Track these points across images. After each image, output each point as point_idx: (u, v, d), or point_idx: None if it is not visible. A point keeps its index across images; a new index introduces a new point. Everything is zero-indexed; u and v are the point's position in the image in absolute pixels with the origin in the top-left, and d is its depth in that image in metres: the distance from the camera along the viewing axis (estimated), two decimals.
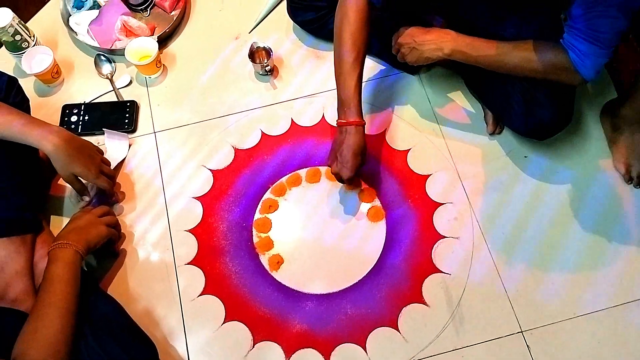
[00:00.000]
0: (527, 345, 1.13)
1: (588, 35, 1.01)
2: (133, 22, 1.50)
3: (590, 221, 1.25)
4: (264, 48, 1.44)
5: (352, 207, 1.29)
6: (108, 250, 1.24)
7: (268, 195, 1.31)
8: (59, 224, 1.29)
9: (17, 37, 1.41)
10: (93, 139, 1.39)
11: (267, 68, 1.42)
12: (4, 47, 1.45)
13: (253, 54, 1.44)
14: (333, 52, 1.18)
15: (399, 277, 1.21)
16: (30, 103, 1.29)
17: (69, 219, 1.17)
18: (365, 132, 1.17)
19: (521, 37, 1.13)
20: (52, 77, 1.44)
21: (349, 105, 1.15)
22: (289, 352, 1.15)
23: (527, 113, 1.20)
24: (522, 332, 1.14)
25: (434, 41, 1.16)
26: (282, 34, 1.53)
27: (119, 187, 1.34)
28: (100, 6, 1.55)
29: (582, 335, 1.14)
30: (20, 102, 1.21)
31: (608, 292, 1.17)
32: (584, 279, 1.19)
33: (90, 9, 1.55)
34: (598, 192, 1.28)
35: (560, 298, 1.17)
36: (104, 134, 1.37)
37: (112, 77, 1.47)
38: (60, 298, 0.98)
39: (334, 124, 1.38)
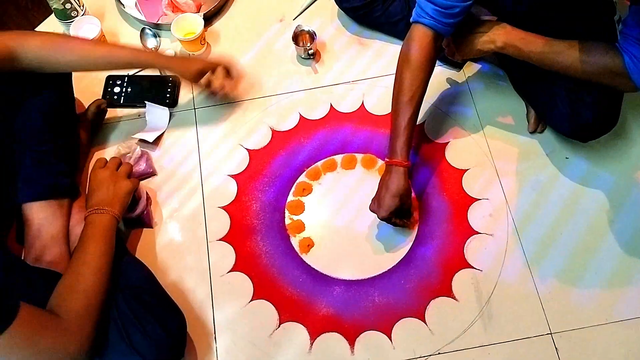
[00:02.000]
0: (556, 348, 1.11)
1: None
2: None
3: (629, 228, 1.22)
4: (308, 32, 1.44)
5: None
6: (143, 224, 1.26)
7: (302, 178, 1.32)
8: None
9: (67, 6, 1.43)
10: (134, 111, 1.41)
11: (310, 52, 1.42)
12: (53, 14, 1.47)
13: (297, 37, 1.44)
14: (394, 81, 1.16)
15: (429, 270, 1.20)
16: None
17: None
18: None
19: (570, 36, 1.10)
20: None
21: (395, 144, 1.13)
22: (314, 334, 1.15)
23: (573, 113, 1.18)
24: (551, 334, 1.13)
25: (486, 33, 1.14)
26: (326, 19, 1.53)
27: (158, 160, 1.35)
28: None
29: (613, 342, 1.12)
30: None
31: None
32: (618, 286, 1.17)
33: None
34: (638, 199, 1.25)
35: (592, 303, 1.15)
36: (145, 106, 1.38)
37: (156, 51, 1.49)
38: (95, 257, 1.00)
39: (373, 111, 1.38)
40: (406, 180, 1.13)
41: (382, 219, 1.15)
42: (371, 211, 1.17)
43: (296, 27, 1.44)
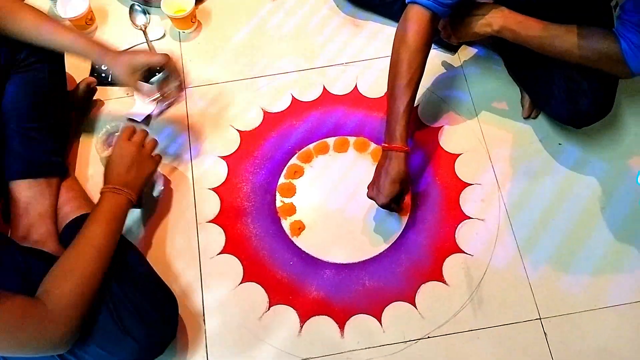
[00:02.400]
0: (545, 333, 1.12)
1: None
2: None
3: (620, 215, 1.23)
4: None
5: None
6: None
7: (294, 160, 1.30)
8: (84, 171, 1.29)
9: None
10: (123, 90, 1.38)
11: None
12: None
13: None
14: (389, 67, 1.13)
15: (420, 254, 1.20)
16: None
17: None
18: None
19: (568, 21, 1.09)
20: (85, 23, 1.43)
21: (394, 129, 1.10)
22: (303, 317, 1.15)
23: (569, 100, 1.17)
24: (540, 319, 1.13)
25: (484, 16, 1.13)
26: None
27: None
28: None
29: (602, 328, 1.12)
30: None
31: (632, 287, 1.15)
32: (608, 272, 1.17)
33: None
34: (630, 186, 1.25)
35: (582, 289, 1.16)
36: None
37: (145, 28, 1.46)
38: (103, 242, 0.97)
39: (367, 94, 1.37)
40: (406, 165, 1.10)
41: (381, 206, 1.13)
42: (369, 198, 1.14)
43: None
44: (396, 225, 1.23)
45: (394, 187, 1.10)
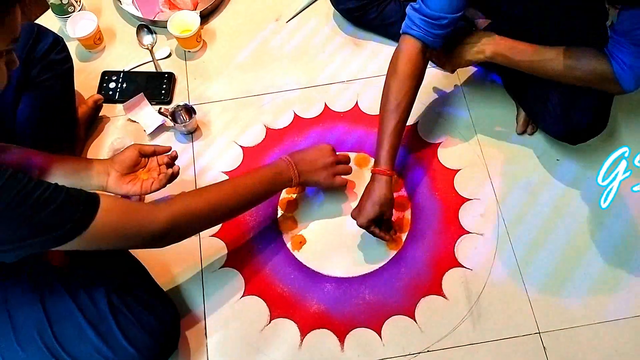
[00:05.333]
0: (544, 347, 1.12)
1: (632, 49, 1.00)
2: None
3: (618, 230, 1.24)
4: (185, 107, 1.35)
5: None
6: None
7: None
8: None
9: (64, 1, 1.44)
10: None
11: (189, 129, 1.37)
12: (50, 9, 1.48)
13: (174, 114, 1.35)
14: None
15: (419, 268, 1.21)
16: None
17: None
18: None
19: (563, 39, 1.12)
20: (94, 43, 1.47)
21: (379, 154, 1.13)
22: (304, 330, 1.16)
23: (564, 117, 1.19)
24: (539, 333, 1.14)
25: (475, 44, 1.16)
26: (322, 19, 1.55)
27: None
28: None
29: (601, 343, 1.13)
30: (62, 60, 1.23)
31: (631, 303, 1.16)
32: (607, 287, 1.18)
33: None
34: (627, 201, 1.26)
35: (581, 303, 1.16)
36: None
37: (152, 48, 1.50)
38: (245, 188, 1.05)
39: (367, 111, 1.40)
40: (389, 189, 1.12)
41: (360, 227, 1.15)
42: (352, 217, 1.17)
43: (176, 107, 1.35)
44: (396, 239, 1.24)
45: (374, 209, 1.12)
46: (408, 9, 1.12)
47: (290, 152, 1.16)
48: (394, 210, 1.19)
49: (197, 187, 1.02)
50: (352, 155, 1.34)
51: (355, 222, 1.16)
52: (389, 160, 1.13)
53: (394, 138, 1.12)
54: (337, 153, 1.22)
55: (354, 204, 1.25)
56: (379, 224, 1.17)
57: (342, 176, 1.21)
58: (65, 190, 0.78)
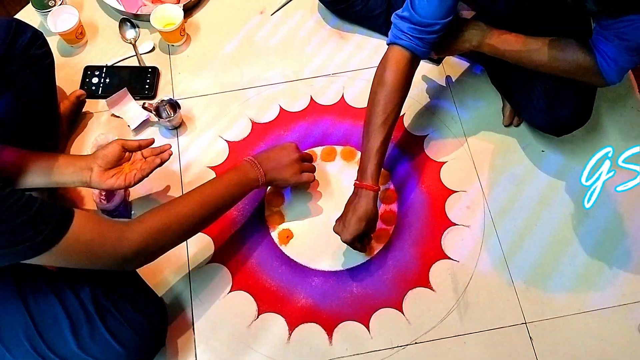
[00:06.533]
0: (530, 337, 1.13)
1: (616, 42, 1.01)
2: None
3: (602, 221, 1.25)
4: (170, 102, 1.34)
5: None
6: (121, 215, 1.25)
7: None
8: None
9: None
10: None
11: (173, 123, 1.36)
12: (30, 3, 1.45)
13: (158, 109, 1.34)
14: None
15: (406, 261, 1.21)
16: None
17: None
18: None
19: (548, 33, 1.12)
20: (76, 37, 1.45)
21: (365, 168, 1.10)
22: (292, 325, 1.16)
23: (548, 109, 1.20)
24: (525, 323, 1.15)
25: (463, 32, 1.15)
26: (306, 12, 1.53)
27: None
28: None
29: (587, 332, 1.14)
30: (42, 56, 1.19)
31: (616, 291, 1.18)
32: (592, 276, 1.19)
33: None
34: (611, 192, 1.27)
35: (567, 293, 1.17)
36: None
37: (135, 42, 1.48)
38: (213, 195, 1.03)
39: (353, 104, 1.39)
40: (374, 205, 1.10)
41: (344, 242, 1.12)
42: (335, 232, 1.13)
43: (161, 101, 1.34)
44: (383, 232, 1.24)
45: (359, 225, 1.10)
46: (394, 18, 1.10)
47: (254, 154, 1.15)
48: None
49: (183, 195, 1.01)
50: (338, 149, 1.34)
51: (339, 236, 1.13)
52: (376, 175, 1.10)
53: (381, 154, 1.10)
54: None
55: (340, 197, 1.25)
56: (361, 239, 1.15)
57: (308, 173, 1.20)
58: (39, 201, 0.77)
